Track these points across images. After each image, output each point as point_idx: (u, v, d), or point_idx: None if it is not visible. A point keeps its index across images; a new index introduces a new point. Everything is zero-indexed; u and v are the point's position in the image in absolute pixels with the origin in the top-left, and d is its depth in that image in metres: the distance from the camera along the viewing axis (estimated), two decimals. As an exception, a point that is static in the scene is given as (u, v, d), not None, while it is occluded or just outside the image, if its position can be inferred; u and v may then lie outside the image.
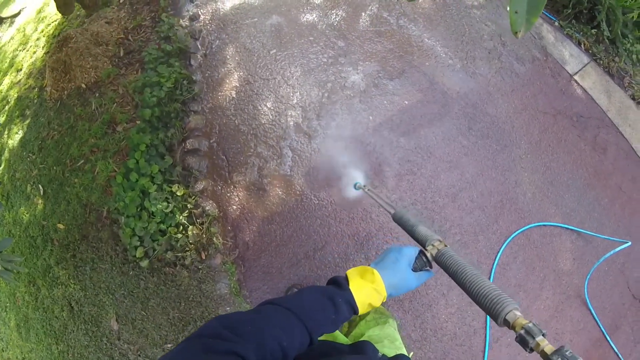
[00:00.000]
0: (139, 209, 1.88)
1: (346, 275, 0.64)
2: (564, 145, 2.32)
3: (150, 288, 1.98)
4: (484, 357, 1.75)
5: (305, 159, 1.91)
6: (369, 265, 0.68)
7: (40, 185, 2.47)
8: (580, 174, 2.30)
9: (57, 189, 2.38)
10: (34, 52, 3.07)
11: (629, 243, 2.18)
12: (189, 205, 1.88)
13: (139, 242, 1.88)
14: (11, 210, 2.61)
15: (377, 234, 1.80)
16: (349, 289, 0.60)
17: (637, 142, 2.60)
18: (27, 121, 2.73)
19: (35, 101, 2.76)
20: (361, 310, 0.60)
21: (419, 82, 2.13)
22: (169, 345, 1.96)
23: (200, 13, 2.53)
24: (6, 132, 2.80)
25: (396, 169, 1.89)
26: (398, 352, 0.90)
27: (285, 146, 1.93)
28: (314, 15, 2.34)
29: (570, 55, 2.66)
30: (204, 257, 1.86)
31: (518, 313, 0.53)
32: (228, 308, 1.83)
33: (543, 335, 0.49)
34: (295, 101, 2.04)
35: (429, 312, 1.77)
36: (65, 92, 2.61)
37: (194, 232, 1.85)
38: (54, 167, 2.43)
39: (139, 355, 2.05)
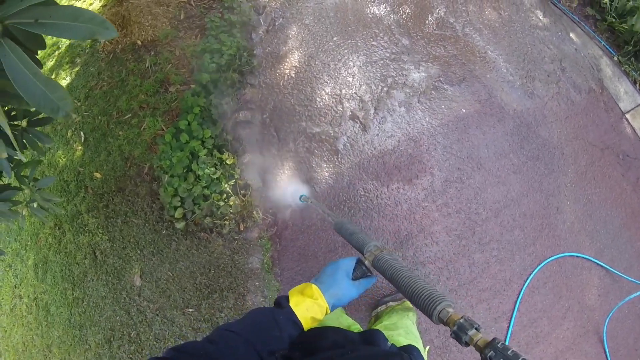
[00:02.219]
0: (185, 170, 1.89)
1: (288, 294, 0.68)
2: (608, 181, 2.30)
3: (182, 250, 2.00)
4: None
5: (358, 149, 1.91)
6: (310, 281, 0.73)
7: (82, 132, 2.49)
8: (618, 212, 2.29)
9: (100, 138, 2.40)
10: (91, 4, 3.07)
11: (655, 289, 2.17)
12: (234, 175, 1.88)
13: (179, 203, 1.89)
14: (47, 152, 2.63)
15: (417, 235, 1.80)
16: (289, 306, 0.65)
17: (677, 190, 2.57)
18: (76, 69, 2.74)
19: (87, 51, 2.77)
20: (304, 323, 0.64)
21: (478, 92, 2.11)
22: (190, 310, 1.97)
23: (265, -12, 2.52)
24: (53, 76, 2.82)
25: (445, 175, 1.89)
26: (411, 343, 0.93)
27: (338, 133, 1.93)
28: (381, 9, 2.33)
29: (625, 93, 2.64)
30: (241, 229, 1.87)
31: (450, 310, 0.54)
32: (257, 283, 1.85)
33: (476, 329, 0.50)
34: (354, 90, 2.03)
35: (455, 320, 1.78)
36: (120, 46, 2.62)
37: (236, 202, 1.86)
38: (99, 117, 2.44)
39: (157, 315, 2.07)
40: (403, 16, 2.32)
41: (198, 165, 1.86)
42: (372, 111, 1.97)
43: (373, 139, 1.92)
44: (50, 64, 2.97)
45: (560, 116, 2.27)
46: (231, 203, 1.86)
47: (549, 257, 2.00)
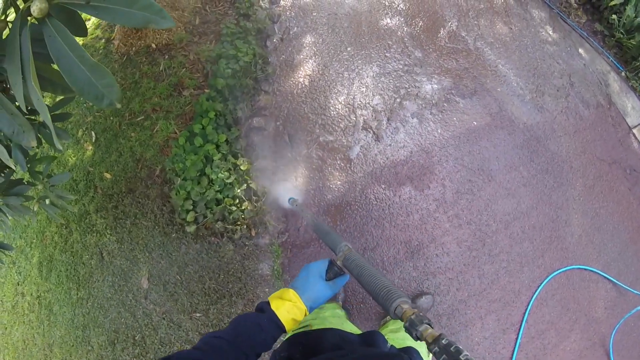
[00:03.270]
0: (199, 174, 1.90)
1: (268, 300, 0.72)
2: (615, 195, 2.33)
3: (191, 254, 2.00)
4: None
5: (370, 158, 1.92)
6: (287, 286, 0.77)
7: (93, 132, 2.49)
8: (625, 226, 2.31)
9: (111, 139, 2.40)
10: (105, 3, 3.10)
11: (660, 303, 2.18)
12: (248, 180, 1.89)
13: (191, 207, 1.90)
14: (65, 149, 2.63)
15: (429, 245, 1.81)
16: (271, 310, 0.68)
17: (681, 206, 2.60)
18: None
19: (101, 51, 2.79)
20: (286, 324, 0.68)
21: (489, 105, 2.14)
22: (198, 315, 1.97)
23: (280, -3, 2.56)
24: (66, 75, 2.83)
25: (457, 186, 1.91)
26: (412, 346, 0.94)
27: (351, 142, 1.95)
28: (395, 21, 2.37)
29: (632, 108, 2.67)
30: (253, 234, 1.87)
31: (405, 306, 0.57)
32: (267, 289, 1.85)
33: (428, 324, 0.53)
34: (367, 100, 2.06)
35: (464, 332, 1.78)
36: (134, 48, 2.64)
37: (249, 207, 1.87)
38: (111, 118, 2.46)
39: (163, 319, 2.06)
40: (416, 29, 2.35)
41: (212, 169, 1.87)
42: (384, 121, 1.99)
43: (385, 149, 1.94)
44: (62, 63, 2.98)
45: (569, 130, 2.30)
46: (244, 208, 1.87)
47: (557, 270, 2.01)
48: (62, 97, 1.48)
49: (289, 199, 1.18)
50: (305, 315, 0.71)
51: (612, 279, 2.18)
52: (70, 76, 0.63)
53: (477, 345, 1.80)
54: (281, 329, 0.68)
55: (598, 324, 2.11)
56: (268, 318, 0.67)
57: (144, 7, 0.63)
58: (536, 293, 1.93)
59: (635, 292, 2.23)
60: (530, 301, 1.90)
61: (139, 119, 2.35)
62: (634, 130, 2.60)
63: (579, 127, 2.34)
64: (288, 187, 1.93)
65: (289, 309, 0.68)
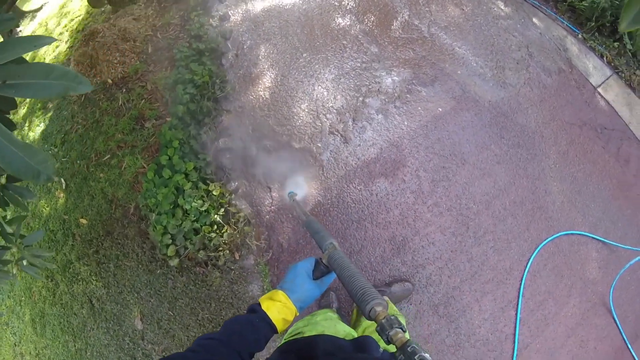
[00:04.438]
0: (172, 206, 1.86)
1: (259, 301, 0.73)
2: (590, 156, 2.35)
3: (179, 287, 1.96)
4: (515, 364, 1.75)
5: (342, 162, 1.91)
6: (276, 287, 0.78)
7: (62, 179, 2.44)
8: (605, 184, 2.33)
9: (81, 183, 2.35)
10: (57, 47, 3.04)
11: (650, 253, 2.21)
12: (224, 204, 1.86)
13: (170, 240, 1.86)
14: (30, 202, 2.57)
15: (413, 238, 1.80)
16: (262, 310, 0.69)
17: (656, 155, 2.64)
18: (49, 114, 2.70)
19: (58, 94, 2.72)
20: (278, 324, 0.69)
21: (451, 89, 2.15)
22: (196, 346, 1.93)
23: (230, 14, 2.54)
24: (27, 125, 2.76)
25: (431, 175, 1.90)
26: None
27: (321, 148, 1.93)
28: (347, 20, 2.36)
29: (594, 68, 2.71)
30: (237, 258, 1.84)
31: (379, 309, 0.57)
32: (260, 309, 1.82)
33: (400, 328, 0.53)
34: (330, 104, 2.04)
35: (463, 317, 1.77)
36: (91, 86, 2.58)
37: (228, 231, 1.84)
38: (78, 161, 2.40)
39: (164, 356, 2.02)
40: (369, 25, 2.35)
41: (184, 199, 1.83)
42: (350, 122, 1.98)
43: (355, 150, 1.92)
44: (22, 111, 2.91)
45: (535, 101, 2.32)
46: (223, 233, 1.84)
47: (545, 240, 2.02)
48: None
49: (289, 193, 1.18)
50: (295, 315, 0.72)
51: (600, 238, 2.20)
52: (4, 161, 0.63)
53: (478, 327, 1.80)
54: (273, 329, 0.68)
55: (595, 285, 2.13)
56: (260, 318, 0.68)
57: (60, 76, 0.63)
58: (528, 266, 1.93)
59: (626, 247, 2.25)
60: (523, 275, 1.91)
61: (105, 158, 2.29)
62: (599, 89, 2.63)
63: (543, 96, 2.36)
64: (265, 202, 1.90)
65: (280, 309, 0.69)
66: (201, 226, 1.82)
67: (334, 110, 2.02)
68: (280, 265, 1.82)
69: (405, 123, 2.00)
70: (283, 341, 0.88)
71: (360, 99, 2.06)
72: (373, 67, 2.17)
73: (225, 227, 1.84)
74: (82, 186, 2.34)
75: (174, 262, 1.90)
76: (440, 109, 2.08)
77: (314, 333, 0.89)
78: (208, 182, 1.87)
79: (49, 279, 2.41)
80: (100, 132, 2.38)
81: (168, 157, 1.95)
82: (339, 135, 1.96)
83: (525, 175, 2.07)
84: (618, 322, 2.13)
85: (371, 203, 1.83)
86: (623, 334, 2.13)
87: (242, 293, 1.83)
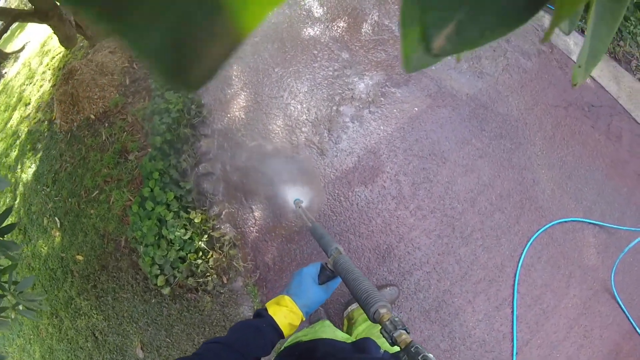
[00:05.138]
0: (157, 238, 1.88)
1: (265, 306, 0.74)
2: (579, 137, 2.28)
3: (174, 315, 1.98)
4: (515, 362, 1.71)
5: (320, 174, 1.90)
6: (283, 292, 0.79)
7: (56, 218, 2.49)
8: (597, 165, 2.26)
9: (74, 220, 2.40)
10: (41, 86, 3.11)
11: (651, 233, 2.13)
12: (207, 230, 1.88)
13: (159, 271, 1.88)
14: (29, 243, 2.64)
15: (398, 245, 1.78)
16: (269, 315, 0.69)
17: (651, 127, 2.55)
18: (39, 154, 2.76)
19: (46, 134, 2.79)
20: (284, 329, 0.69)
21: (427, 87, 2.11)
22: (197, 371, 1.95)
23: (201, 35, 2.55)
24: (19, 167, 2.84)
25: (412, 178, 1.88)
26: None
27: (298, 164, 1.93)
28: (316, 29, 2.34)
29: (575, 44, 2.63)
30: (225, 281, 1.85)
31: (383, 311, 0.58)
32: (254, 330, 1.83)
33: (404, 330, 0.54)
34: (304, 117, 2.03)
35: (456, 320, 1.75)
36: (75, 123, 2.64)
37: (214, 256, 1.85)
38: (69, 199, 2.45)
39: (169, 372, 2.05)
40: (338, 31, 2.33)
41: (168, 230, 1.85)
42: (326, 134, 1.97)
43: (333, 161, 1.91)
44: (14, 154, 2.99)
45: (515, 87, 2.26)
46: (210, 258, 1.85)
47: (537, 231, 1.97)
48: (3, 210, 1.52)
49: (295, 200, 1.20)
50: (302, 320, 0.72)
51: (597, 222, 2.13)
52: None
53: (473, 329, 1.77)
54: (279, 333, 0.68)
55: (595, 271, 2.06)
56: (267, 323, 0.68)
57: None
58: (521, 261, 1.89)
59: (625, 228, 2.18)
60: (516, 271, 1.86)
61: (94, 194, 2.34)
62: (583, 67, 2.55)
63: (524, 80, 2.30)
64: (248, 223, 1.91)
65: (286, 314, 0.70)
66: (186, 254, 1.84)
67: (309, 123, 2.01)
68: (268, 284, 1.83)
69: (382, 127, 1.98)
70: (282, 347, 0.89)
71: (334, 108, 2.04)
72: (345, 73, 2.15)
73: (211, 253, 1.85)
74: (75, 223, 2.39)
75: (166, 291, 1.93)
76: (416, 109, 2.04)
77: (313, 338, 0.90)
78: (189, 210, 1.89)
79: (54, 316, 2.48)
80: (87, 168, 2.43)
81: (150, 189, 1.98)
82: (315, 148, 1.95)
83: (510, 166, 2.03)
84: (623, 307, 2.07)
85: (352, 213, 1.82)
86: (630, 318, 2.07)
87: (234, 315, 1.84)
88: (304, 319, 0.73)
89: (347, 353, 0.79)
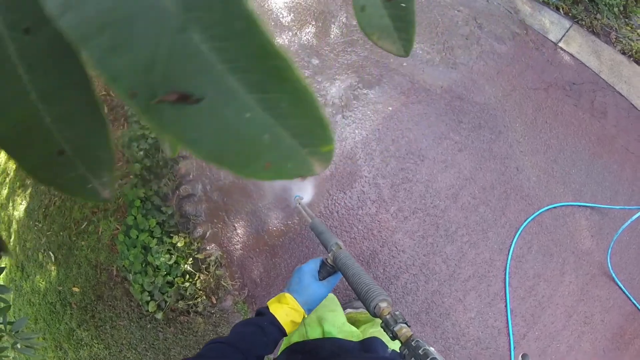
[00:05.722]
0: (143, 265, 1.89)
1: (267, 305, 0.74)
2: (562, 118, 2.23)
3: (169, 338, 2.00)
4: (510, 356, 1.69)
5: (295, 185, 1.88)
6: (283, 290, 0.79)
7: (50, 252, 2.53)
8: (583, 144, 2.21)
9: (67, 253, 2.43)
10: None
11: (646, 208, 2.07)
12: (192, 253, 1.88)
13: (149, 297, 1.89)
14: (27, 279, 2.68)
15: (381, 250, 1.76)
16: (270, 313, 0.69)
17: (636, 97, 2.48)
18: (29, 190, 2.80)
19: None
20: (286, 327, 0.69)
21: (399, 85, 2.08)
22: (198, 392, 1.97)
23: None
24: (11, 204, 2.88)
25: (390, 180, 1.85)
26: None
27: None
28: (285, 37, 2.32)
29: (551, 23, 2.56)
30: (215, 302, 1.86)
31: (383, 305, 0.58)
32: (248, 348, 1.83)
33: (405, 323, 0.54)
34: (277, 129, 2.02)
35: (448, 320, 1.72)
36: (59, 156, 2.66)
37: (201, 277, 1.85)
38: (61, 233, 2.48)
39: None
40: (307, 37, 2.30)
41: (153, 256, 1.86)
42: (300, 143, 1.95)
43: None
44: (4, 192, 3.04)
45: (491, 74, 2.22)
46: (197, 280, 1.85)
47: (525, 221, 1.93)
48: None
49: (295, 197, 1.22)
50: (304, 317, 0.72)
51: (588, 204, 2.09)
52: None
53: (467, 327, 1.75)
54: (282, 331, 0.69)
55: (590, 255, 2.02)
56: (268, 321, 0.68)
57: None
58: (510, 253, 1.86)
59: (618, 207, 2.13)
60: (506, 264, 1.83)
61: (83, 226, 2.36)
62: (560, 44, 2.49)
63: (500, 66, 2.25)
64: (233, 241, 1.91)
65: (288, 312, 0.70)
66: (174, 278, 1.84)
67: (283, 135, 2.00)
68: (257, 300, 1.83)
69: (356, 131, 1.95)
70: (288, 344, 0.88)
71: (307, 117, 2.02)
72: (316, 80, 2.13)
73: (197, 275, 1.85)
74: (68, 256, 2.41)
75: (159, 316, 1.94)
76: (391, 108, 2.02)
77: (318, 332, 0.90)
78: (172, 235, 1.89)
79: (58, 349, 2.52)
80: (75, 201, 2.45)
81: (133, 217, 1.99)
82: (291, 159, 1.94)
83: (491, 157, 1.99)
84: (623, 288, 2.03)
85: (333, 222, 1.81)
86: (632, 299, 2.03)
87: (227, 334, 1.85)
88: (306, 316, 0.73)
89: (353, 352, 0.79)
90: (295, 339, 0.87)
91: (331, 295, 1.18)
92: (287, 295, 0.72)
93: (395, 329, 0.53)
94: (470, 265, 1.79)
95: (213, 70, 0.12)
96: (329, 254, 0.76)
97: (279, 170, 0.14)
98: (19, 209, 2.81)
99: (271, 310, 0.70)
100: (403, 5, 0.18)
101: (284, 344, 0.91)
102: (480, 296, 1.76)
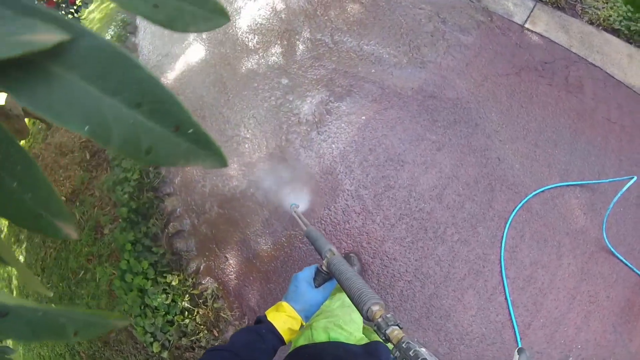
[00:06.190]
0: (142, 307, 1.90)
1: (265, 313, 0.75)
2: (538, 100, 2.22)
3: (179, 376, 2.00)
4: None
5: (280, 208, 1.89)
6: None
7: (53, 305, 2.54)
8: (563, 123, 2.20)
9: (69, 304, 2.44)
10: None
11: (635, 178, 2.05)
12: (188, 289, 1.89)
13: (152, 338, 1.90)
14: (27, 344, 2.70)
15: (373, 261, 1.76)
16: (268, 321, 0.70)
17: (610, 65, 2.46)
18: (24, 245, 2.83)
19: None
20: (284, 335, 0.70)
21: (370, 92, 2.08)
22: None
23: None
24: (11, 262, 2.91)
25: (373, 190, 1.85)
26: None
27: (257, 203, 1.92)
28: (252, 61, 2.34)
29: (515, 5, 2.56)
30: (217, 334, 1.86)
31: (375, 308, 0.58)
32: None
33: (397, 325, 0.54)
34: (256, 155, 2.03)
35: (449, 322, 1.71)
36: (50, 208, 2.68)
37: (200, 312, 1.86)
38: (60, 284, 2.50)
39: None
40: (274, 57, 2.32)
41: (150, 297, 1.87)
42: (279, 166, 1.96)
43: (291, 193, 1.90)
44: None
45: (460, 68, 2.22)
46: (196, 316, 1.86)
47: (513, 210, 1.92)
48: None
49: (291, 205, 1.24)
50: (302, 325, 0.73)
51: (575, 183, 2.07)
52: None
53: (470, 326, 1.73)
54: (280, 339, 0.70)
55: (585, 233, 2.00)
56: (266, 328, 0.69)
57: None
58: (503, 245, 1.84)
59: (607, 180, 2.11)
60: (500, 257, 1.82)
61: (81, 275, 2.38)
62: (527, 25, 2.49)
63: (468, 58, 2.25)
64: (226, 271, 1.91)
65: (285, 319, 0.71)
66: (173, 317, 1.85)
67: (261, 160, 2.01)
68: (258, 329, 1.82)
69: (333, 146, 1.96)
70: (293, 347, 0.89)
71: (284, 137, 2.03)
72: (288, 99, 2.14)
73: (196, 310, 1.86)
74: (70, 307, 2.43)
75: (165, 355, 1.94)
76: (364, 117, 2.02)
77: (323, 337, 0.90)
78: (166, 274, 1.90)
79: (74, 399, 2.52)
80: (69, 250, 2.47)
81: (127, 261, 2.00)
82: (271, 183, 1.94)
83: (470, 151, 1.98)
84: (624, 260, 2.00)
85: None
86: (634, 269, 2.00)
87: None
88: (304, 324, 0.74)
89: (357, 357, 0.79)
90: (301, 342, 0.89)
91: (348, 301, 1.18)
92: (284, 303, 0.74)
93: (387, 331, 0.54)
94: (464, 263, 1.78)
95: None
96: (323, 261, 0.77)
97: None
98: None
99: (269, 319, 0.71)
100: (191, 131, 0.20)
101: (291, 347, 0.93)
102: (479, 293, 1.75)
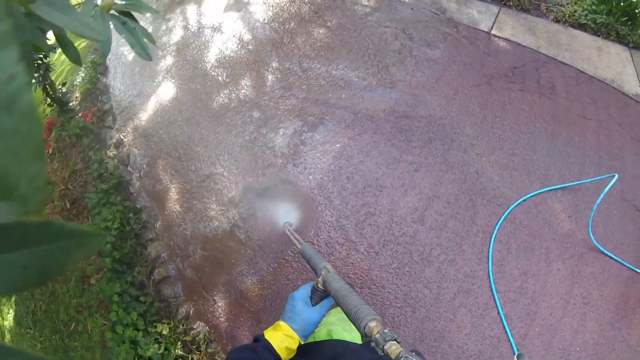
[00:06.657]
0: (136, 359, 1.87)
1: (263, 332, 0.76)
2: (511, 107, 2.23)
3: None
4: None
5: (265, 246, 1.88)
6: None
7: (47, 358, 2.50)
8: (539, 127, 2.21)
9: (64, 357, 2.40)
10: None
11: (616, 176, 2.06)
12: (179, 336, 1.86)
13: (148, 391, 1.87)
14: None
15: (361, 291, 1.74)
16: (265, 339, 0.71)
17: (580, 61, 2.49)
18: (13, 298, 2.78)
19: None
20: (281, 353, 0.70)
21: (342, 119, 2.08)
22: None
23: (122, 137, 2.55)
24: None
25: (354, 219, 1.84)
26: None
27: (239, 240, 1.91)
28: (224, 96, 2.34)
29: (479, 13, 2.59)
30: (213, 380, 1.84)
31: (372, 324, 0.59)
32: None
33: (395, 340, 0.54)
34: (234, 192, 2.02)
35: (444, 343, 1.70)
36: (36, 261, 2.65)
37: (195, 358, 1.83)
38: (53, 337, 2.46)
39: None
40: (245, 90, 2.31)
41: (142, 348, 1.84)
42: (257, 201, 1.95)
43: (271, 228, 1.89)
44: (-6, 305, 3.02)
45: (430, 84, 2.22)
46: (190, 363, 1.83)
47: (497, 223, 1.92)
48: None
49: (285, 223, 1.24)
50: (300, 343, 0.74)
51: (557, 187, 2.08)
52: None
53: (465, 344, 1.72)
54: (276, 357, 0.69)
55: (571, 236, 2.01)
56: (263, 346, 0.69)
57: None
58: (490, 259, 1.84)
59: (589, 180, 2.12)
60: (489, 272, 1.82)
61: (72, 327, 2.34)
62: (493, 32, 2.51)
63: (437, 73, 2.26)
64: (216, 314, 1.89)
65: (282, 338, 0.71)
66: (167, 367, 1.82)
67: (239, 196, 2.00)
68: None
69: (310, 177, 1.95)
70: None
71: (260, 172, 2.02)
72: (261, 133, 2.13)
73: (190, 357, 1.83)
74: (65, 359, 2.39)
75: (164, 406, 1.91)
76: (339, 145, 2.02)
77: (325, 336, 0.91)
78: (156, 323, 1.87)
79: None
80: (58, 302, 2.44)
81: (116, 312, 1.97)
82: (250, 219, 1.93)
83: (448, 168, 1.98)
84: (614, 256, 2.00)
85: (304, 272, 1.79)
86: (625, 263, 2.00)
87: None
88: (302, 343, 0.74)
89: (358, 352, 0.80)
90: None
91: (344, 317, 1.18)
92: (282, 323, 0.74)
93: (385, 347, 0.54)
94: (453, 283, 1.77)
95: None
96: (319, 279, 0.77)
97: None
98: (8, 318, 2.79)
99: (266, 337, 0.71)
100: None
101: None
102: (471, 310, 1.74)
